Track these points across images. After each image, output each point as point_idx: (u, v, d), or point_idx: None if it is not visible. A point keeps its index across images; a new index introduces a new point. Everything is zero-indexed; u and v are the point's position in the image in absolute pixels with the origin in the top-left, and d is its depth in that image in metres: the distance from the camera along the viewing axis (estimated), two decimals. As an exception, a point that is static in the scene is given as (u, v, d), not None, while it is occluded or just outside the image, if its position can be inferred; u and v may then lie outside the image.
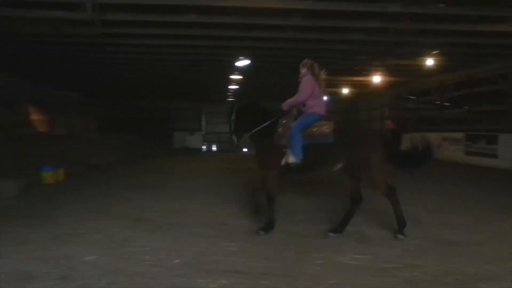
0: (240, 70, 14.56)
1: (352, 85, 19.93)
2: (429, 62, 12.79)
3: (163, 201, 7.15)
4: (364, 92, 21.68)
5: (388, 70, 15.23)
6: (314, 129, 4.89)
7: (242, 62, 12.68)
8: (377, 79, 16.44)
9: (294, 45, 11.01)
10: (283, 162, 4.91)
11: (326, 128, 4.87)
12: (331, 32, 9.97)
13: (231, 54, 12.20)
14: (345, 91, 21.28)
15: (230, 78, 16.42)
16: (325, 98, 5.31)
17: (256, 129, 5.18)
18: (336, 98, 24.53)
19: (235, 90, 20.63)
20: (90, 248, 4.34)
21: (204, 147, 27.93)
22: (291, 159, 4.84)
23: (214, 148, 28.11)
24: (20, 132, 9.53)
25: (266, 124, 5.14)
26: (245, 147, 25.95)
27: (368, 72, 15.83)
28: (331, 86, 20.05)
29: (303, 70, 5.21)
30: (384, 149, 4.73)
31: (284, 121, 5.09)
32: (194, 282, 3.49)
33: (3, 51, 11.32)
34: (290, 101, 5.11)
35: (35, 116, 10.87)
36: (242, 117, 5.34)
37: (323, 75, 5.20)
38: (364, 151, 4.72)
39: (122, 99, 24.35)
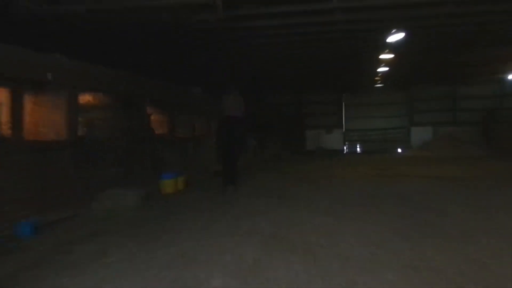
0: (392, 48, 14.07)
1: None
2: None
3: (300, 215, 7.25)
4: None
5: None
6: None
7: (395, 37, 12.22)
8: None
9: (462, 9, 10.27)
10: None
11: None
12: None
13: (380, 28, 11.85)
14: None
15: (378, 58, 15.98)
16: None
17: None
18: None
19: (385, 73, 20.01)
20: (218, 269, 4.59)
21: (345, 147, 27.76)
22: None
23: (358, 148, 27.78)
24: (140, 136, 10.56)
25: None
26: (399, 147, 25.27)
27: None
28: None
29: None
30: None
31: None
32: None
33: (121, 46, 12.82)
34: None
35: (155, 117, 11.93)
36: None
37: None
38: None
39: (245, 95, 25.55)
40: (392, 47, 14.08)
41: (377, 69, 18.95)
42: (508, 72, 22.27)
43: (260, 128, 20.57)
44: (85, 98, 9.09)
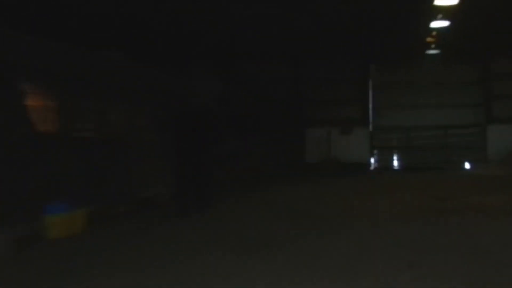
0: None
1: None
2: None
3: (295, 280, 6.97)
4: None
5: None
6: None
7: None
8: None
9: None
10: None
11: None
12: None
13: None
14: None
15: (432, 5, 15.99)
16: None
17: None
18: None
19: (442, 30, 20.01)
20: None
21: (373, 159, 27.83)
22: None
23: (395, 162, 27.87)
24: (10, 135, 10.27)
25: None
26: (467, 160, 25.35)
27: None
28: None
29: None
30: None
31: None
32: None
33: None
34: None
35: (39, 103, 11.69)
36: None
37: None
38: None
39: (205, 66, 25.53)
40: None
41: (429, 24, 18.96)
42: None
43: (231, 124, 20.61)
44: None
